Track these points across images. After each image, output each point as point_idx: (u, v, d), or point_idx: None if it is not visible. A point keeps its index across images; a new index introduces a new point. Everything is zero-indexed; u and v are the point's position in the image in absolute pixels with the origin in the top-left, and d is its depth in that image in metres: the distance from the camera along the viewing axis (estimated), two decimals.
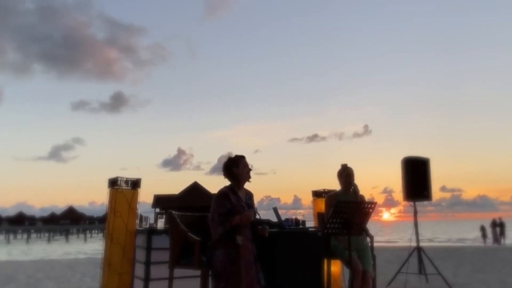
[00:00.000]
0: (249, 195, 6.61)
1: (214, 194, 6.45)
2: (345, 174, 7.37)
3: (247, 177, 6.55)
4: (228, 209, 6.29)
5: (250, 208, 6.47)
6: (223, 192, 6.39)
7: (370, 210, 6.59)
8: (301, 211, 7.92)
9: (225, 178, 6.54)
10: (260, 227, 6.48)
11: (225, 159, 6.62)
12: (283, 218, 7.26)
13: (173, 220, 6.71)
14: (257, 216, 6.57)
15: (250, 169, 6.56)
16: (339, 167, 7.51)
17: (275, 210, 7.15)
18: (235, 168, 6.51)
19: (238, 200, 6.41)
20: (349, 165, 7.44)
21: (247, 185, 6.59)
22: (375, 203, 6.62)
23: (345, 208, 6.42)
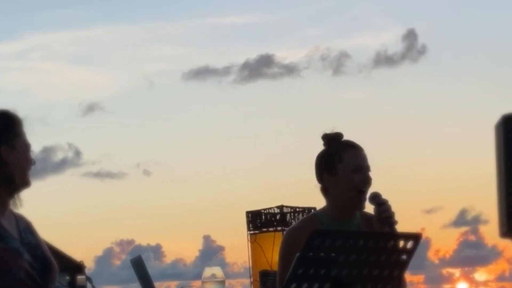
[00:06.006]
0: (25, 224, 2.74)
1: None
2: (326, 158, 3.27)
3: (27, 177, 2.66)
4: None
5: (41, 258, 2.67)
6: None
7: (404, 257, 2.51)
8: (217, 271, 3.79)
9: None
10: None
11: None
12: None
13: None
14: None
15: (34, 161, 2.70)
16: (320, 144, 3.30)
17: (137, 264, 3.11)
18: (7, 145, 2.61)
19: (3, 237, 2.59)
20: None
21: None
22: (417, 236, 2.55)
23: (334, 248, 2.39)
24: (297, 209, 6.61)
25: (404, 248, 2.48)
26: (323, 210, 3.27)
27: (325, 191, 3.22)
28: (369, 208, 3.18)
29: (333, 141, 3.21)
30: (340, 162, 3.12)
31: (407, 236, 2.51)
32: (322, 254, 2.37)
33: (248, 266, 7.29)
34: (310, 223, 3.25)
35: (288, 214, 6.22)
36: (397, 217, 3.11)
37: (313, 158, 3.29)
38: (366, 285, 2.45)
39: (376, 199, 3.10)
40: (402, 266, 2.51)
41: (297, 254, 2.36)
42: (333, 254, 2.38)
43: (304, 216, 3.53)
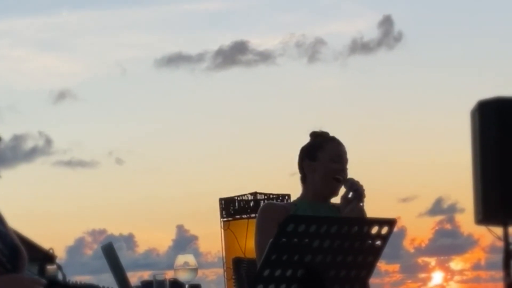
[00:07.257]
0: None
1: None
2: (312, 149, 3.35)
3: None
4: None
5: None
6: None
7: (378, 242, 2.46)
8: (190, 258, 3.73)
9: None
10: None
11: None
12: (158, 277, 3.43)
13: None
14: (60, 276, 2.61)
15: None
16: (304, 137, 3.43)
17: (108, 250, 3.04)
18: None
19: None
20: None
21: None
22: (391, 222, 2.51)
23: (308, 234, 2.31)
24: (271, 196, 6.51)
25: (379, 234, 2.43)
26: (298, 198, 3.36)
27: (303, 179, 3.30)
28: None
29: (319, 136, 3.33)
30: (321, 151, 3.24)
31: (382, 222, 2.45)
32: (295, 240, 2.31)
33: (221, 255, 7.12)
34: (285, 202, 3.43)
35: (262, 201, 6.09)
36: (372, 205, 3.16)
37: (287, 145, 3.43)
38: (340, 271, 2.40)
39: (352, 182, 3.18)
40: (377, 252, 2.46)
41: (270, 240, 2.31)
42: (306, 240, 2.32)
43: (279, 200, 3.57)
